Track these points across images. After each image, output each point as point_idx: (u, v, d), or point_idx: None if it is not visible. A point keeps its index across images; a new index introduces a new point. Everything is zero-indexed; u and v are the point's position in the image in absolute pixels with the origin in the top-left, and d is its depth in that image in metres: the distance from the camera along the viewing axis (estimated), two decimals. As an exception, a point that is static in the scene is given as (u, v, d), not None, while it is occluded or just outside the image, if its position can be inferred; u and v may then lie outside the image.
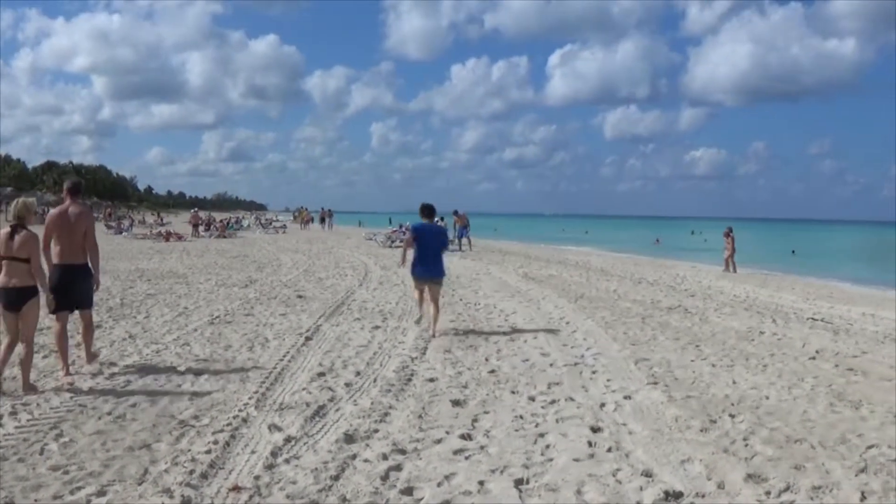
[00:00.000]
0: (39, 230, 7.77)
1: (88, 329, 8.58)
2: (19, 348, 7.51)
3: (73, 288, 8.21)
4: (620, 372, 8.79)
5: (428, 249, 11.64)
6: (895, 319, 14.48)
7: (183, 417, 6.58)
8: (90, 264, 8.37)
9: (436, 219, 12.34)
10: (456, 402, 7.24)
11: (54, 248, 8.24)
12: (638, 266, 29.47)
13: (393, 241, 38.30)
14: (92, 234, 8.38)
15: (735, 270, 28.16)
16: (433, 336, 11.01)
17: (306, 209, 76.09)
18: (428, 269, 11.63)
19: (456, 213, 36.55)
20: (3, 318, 7.65)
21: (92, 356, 8.65)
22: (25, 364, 7.44)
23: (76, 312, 8.47)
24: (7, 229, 7.51)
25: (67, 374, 7.98)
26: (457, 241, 35.39)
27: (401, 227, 46.18)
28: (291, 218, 76.91)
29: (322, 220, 67.49)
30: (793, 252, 50.98)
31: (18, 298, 7.44)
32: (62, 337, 8.13)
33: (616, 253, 43.08)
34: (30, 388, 7.38)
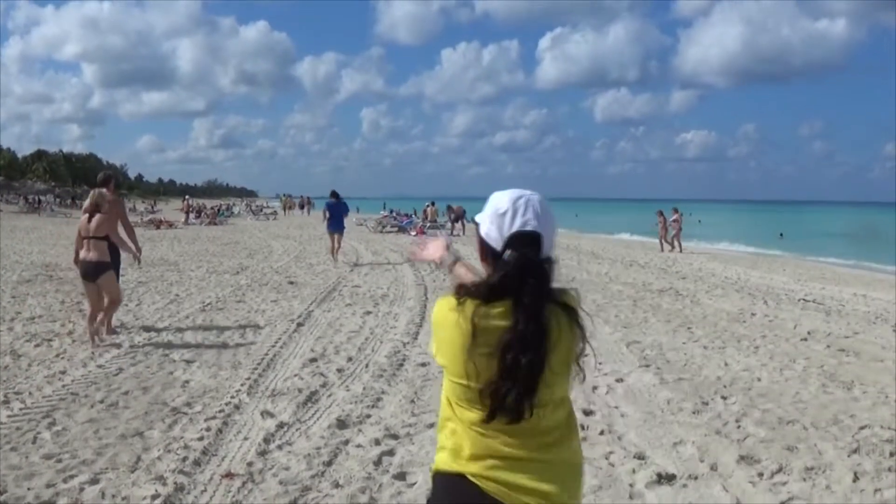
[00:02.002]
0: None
1: (112, 301, 9.67)
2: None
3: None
4: (612, 355, 8.80)
5: (336, 215, 20.59)
6: (887, 300, 14.55)
7: (175, 405, 6.57)
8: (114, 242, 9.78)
9: (342, 199, 21.20)
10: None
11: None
12: (629, 249, 29.51)
13: (384, 227, 38.27)
14: (112, 218, 9.81)
15: (671, 250, 28.54)
16: (335, 264, 19.28)
17: (290, 196, 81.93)
18: (335, 225, 20.49)
19: (449, 207, 37.56)
20: (84, 287, 9.46)
21: (112, 330, 9.69)
22: (108, 313, 9.28)
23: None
24: (86, 214, 9.27)
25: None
26: (450, 226, 36.08)
27: (392, 212, 46.18)
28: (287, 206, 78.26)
29: (301, 207, 73.48)
30: (780, 235, 51.07)
31: (95, 270, 9.03)
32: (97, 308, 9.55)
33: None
34: (111, 331, 9.40)
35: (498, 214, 2.17)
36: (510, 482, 2.04)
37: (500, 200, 2.21)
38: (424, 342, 9.36)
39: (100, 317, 9.13)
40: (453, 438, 2.14)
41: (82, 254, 9.14)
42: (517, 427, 2.05)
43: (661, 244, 29.22)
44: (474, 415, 2.08)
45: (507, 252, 2.12)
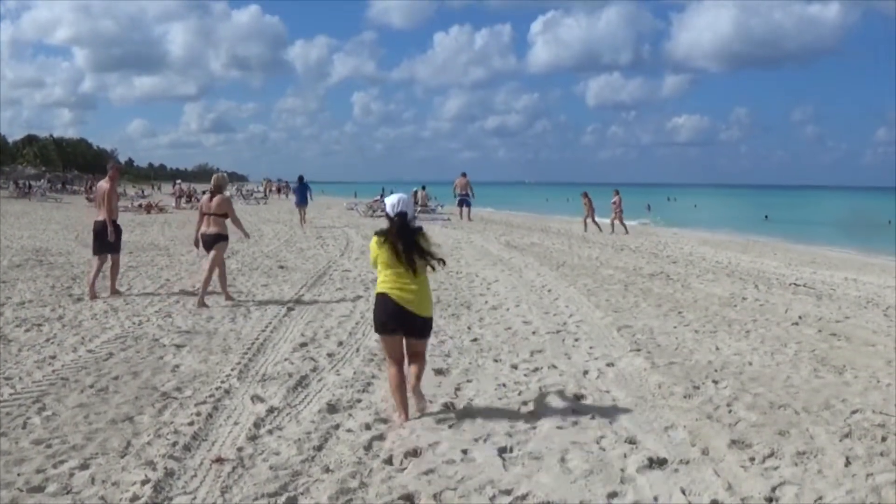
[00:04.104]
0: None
1: (115, 268, 11.71)
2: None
3: (102, 237, 11.46)
4: (603, 339, 8.81)
5: (301, 194, 29.59)
6: (878, 284, 14.59)
7: (165, 389, 6.55)
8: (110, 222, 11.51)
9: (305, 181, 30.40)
10: (439, 371, 7.23)
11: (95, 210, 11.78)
12: (618, 234, 29.50)
13: (374, 211, 38.13)
14: (112, 200, 11.56)
15: (600, 230, 29.89)
16: (302, 229, 26.36)
17: (272, 181, 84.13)
18: (301, 200, 29.36)
19: (464, 174, 35.23)
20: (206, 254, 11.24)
21: (115, 291, 11.50)
22: (221, 282, 11.14)
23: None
24: (208, 195, 11.09)
25: (113, 293, 11.44)
26: (457, 209, 34.61)
27: (382, 196, 46.02)
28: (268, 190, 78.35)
29: (278, 191, 75.63)
30: (766, 217, 51.16)
31: (214, 241, 10.93)
32: (97, 272, 11.38)
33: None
34: (229, 297, 11.11)
35: (391, 204, 5.65)
36: (400, 295, 5.52)
37: (391, 199, 5.71)
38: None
39: (198, 284, 11.11)
40: (380, 280, 5.61)
41: (203, 228, 10.97)
42: (405, 276, 5.55)
43: (585, 224, 30.62)
44: (389, 270, 5.57)
45: (395, 219, 5.56)
